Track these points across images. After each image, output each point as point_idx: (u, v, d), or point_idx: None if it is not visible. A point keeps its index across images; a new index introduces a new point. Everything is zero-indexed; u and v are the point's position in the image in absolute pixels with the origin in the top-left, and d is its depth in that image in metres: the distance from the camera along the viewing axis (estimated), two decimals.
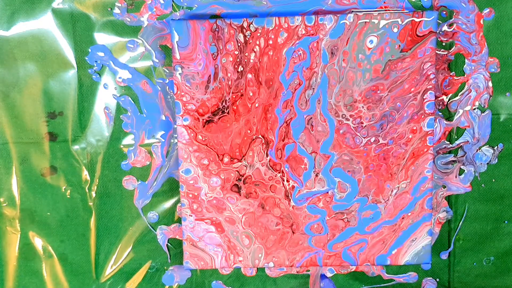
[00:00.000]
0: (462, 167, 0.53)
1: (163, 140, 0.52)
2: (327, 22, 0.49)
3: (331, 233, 0.52)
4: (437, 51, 0.51)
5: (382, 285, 0.55)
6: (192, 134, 0.50)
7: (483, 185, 0.54)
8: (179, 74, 0.49)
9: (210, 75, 0.49)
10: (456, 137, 0.53)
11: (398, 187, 0.52)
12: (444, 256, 0.55)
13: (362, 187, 0.52)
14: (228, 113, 0.50)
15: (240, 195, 0.52)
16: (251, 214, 0.52)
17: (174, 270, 0.55)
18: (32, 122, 0.52)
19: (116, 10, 0.50)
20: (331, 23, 0.49)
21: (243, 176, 0.51)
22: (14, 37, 0.50)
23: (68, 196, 0.53)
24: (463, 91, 0.52)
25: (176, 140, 0.52)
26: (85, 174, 0.53)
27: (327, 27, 0.49)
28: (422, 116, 0.50)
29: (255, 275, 0.55)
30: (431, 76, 0.50)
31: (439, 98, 0.52)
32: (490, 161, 0.53)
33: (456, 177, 0.54)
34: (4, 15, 0.50)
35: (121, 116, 0.52)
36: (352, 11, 0.50)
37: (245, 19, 0.48)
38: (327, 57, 0.49)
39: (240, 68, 0.49)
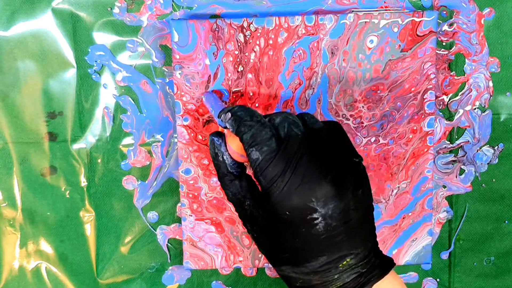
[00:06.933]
0: (462, 167, 0.53)
1: (163, 140, 0.52)
2: (327, 22, 0.49)
3: None
4: (437, 51, 0.51)
5: None
6: (192, 134, 0.50)
7: (483, 185, 0.54)
8: (179, 74, 0.49)
9: (210, 75, 0.49)
10: (456, 137, 0.53)
11: (399, 187, 0.52)
12: (444, 256, 0.55)
13: None
14: None
15: None
16: None
17: (174, 270, 0.55)
18: (32, 122, 0.52)
19: (116, 10, 0.50)
20: (331, 23, 0.49)
21: None
22: (14, 37, 0.50)
23: (68, 196, 0.53)
24: (463, 91, 0.52)
25: (176, 140, 0.52)
26: (85, 174, 0.53)
27: (327, 27, 0.49)
28: (423, 116, 0.50)
29: (255, 275, 0.55)
30: (432, 76, 0.50)
31: (440, 98, 0.52)
32: (490, 161, 0.53)
33: (456, 177, 0.54)
34: (4, 15, 0.50)
35: (121, 116, 0.52)
36: (352, 11, 0.50)
37: (245, 19, 0.48)
38: (327, 57, 0.49)
39: (240, 68, 0.49)
